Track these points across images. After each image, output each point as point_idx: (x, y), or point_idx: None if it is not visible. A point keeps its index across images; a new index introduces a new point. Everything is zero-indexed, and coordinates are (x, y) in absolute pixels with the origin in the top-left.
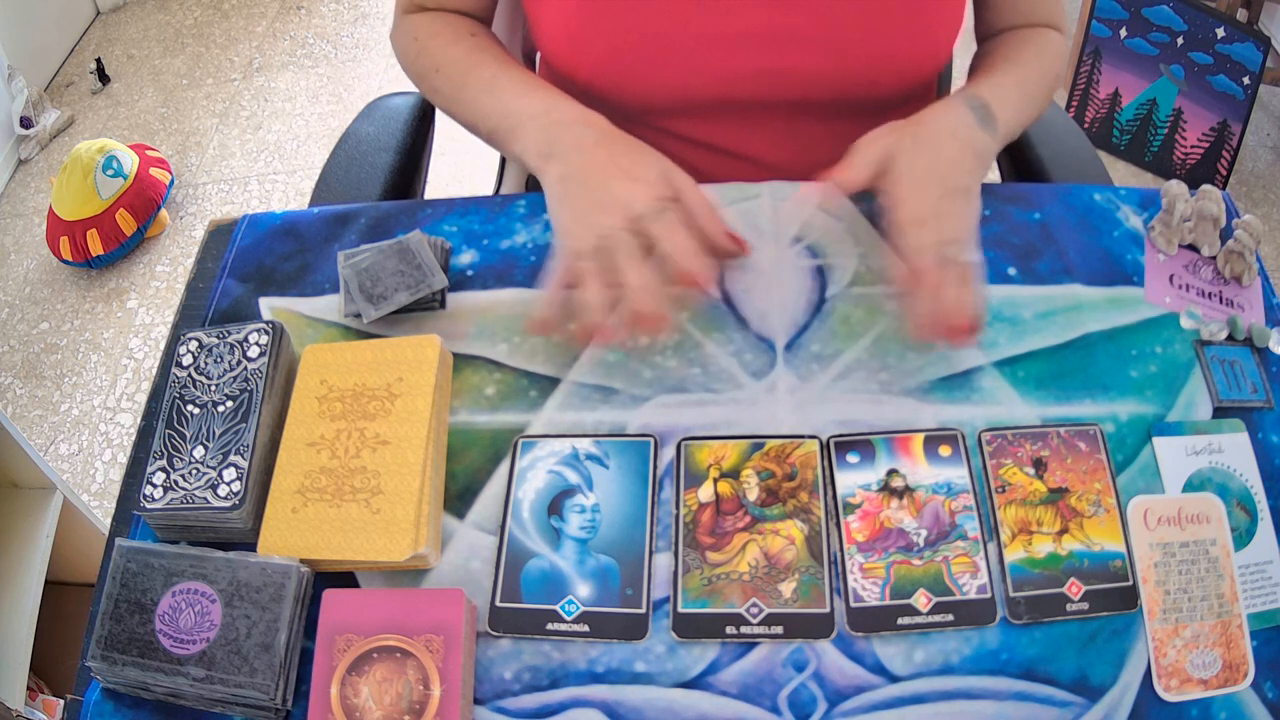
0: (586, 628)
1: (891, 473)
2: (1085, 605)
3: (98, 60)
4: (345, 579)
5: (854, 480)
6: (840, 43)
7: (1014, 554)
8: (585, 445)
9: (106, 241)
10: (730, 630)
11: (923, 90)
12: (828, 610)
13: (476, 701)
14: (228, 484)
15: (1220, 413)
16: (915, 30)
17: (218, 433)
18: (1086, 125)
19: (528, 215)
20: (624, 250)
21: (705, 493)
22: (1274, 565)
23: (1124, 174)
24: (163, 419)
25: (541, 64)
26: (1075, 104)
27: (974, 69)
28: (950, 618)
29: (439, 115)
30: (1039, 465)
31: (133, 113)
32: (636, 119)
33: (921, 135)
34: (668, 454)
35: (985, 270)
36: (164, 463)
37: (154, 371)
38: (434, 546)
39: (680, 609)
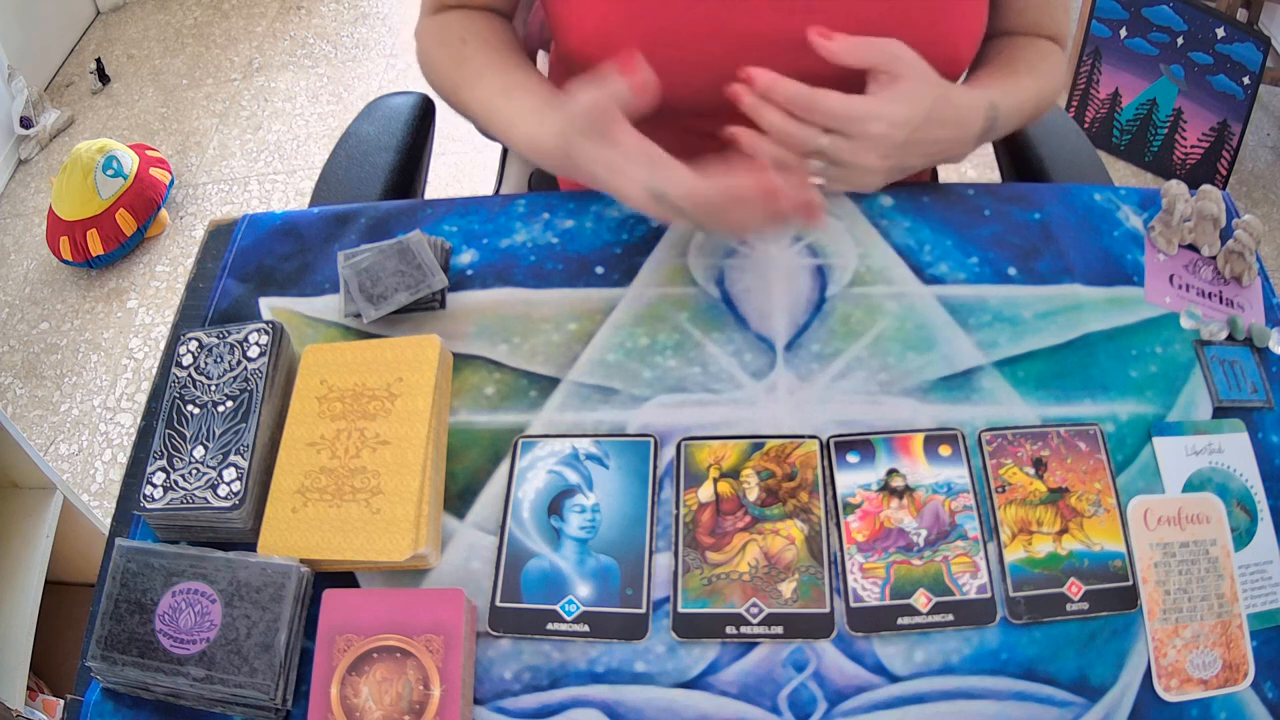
0: (586, 628)
1: (891, 473)
2: (1085, 605)
3: (98, 60)
4: (345, 579)
5: (854, 480)
6: None
7: (1014, 554)
8: (585, 445)
9: (106, 241)
10: (730, 630)
11: None
12: (828, 610)
13: (476, 701)
14: (228, 484)
15: (1220, 413)
16: (938, 35)
17: (218, 433)
18: (1086, 125)
19: (527, 215)
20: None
21: (705, 493)
22: (1274, 565)
23: (1124, 174)
24: (163, 419)
25: (556, 61)
26: (1075, 104)
27: (973, 70)
28: (950, 618)
29: (439, 115)
30: (1039, 465)
31: (133, 113)
32: (661, 116)
33: (937, 93)
34: (668, 454)
35: (985, 270)
36: (164, 463)
37: (154, 371)
38: (434, 546)
39: (680, 609)
